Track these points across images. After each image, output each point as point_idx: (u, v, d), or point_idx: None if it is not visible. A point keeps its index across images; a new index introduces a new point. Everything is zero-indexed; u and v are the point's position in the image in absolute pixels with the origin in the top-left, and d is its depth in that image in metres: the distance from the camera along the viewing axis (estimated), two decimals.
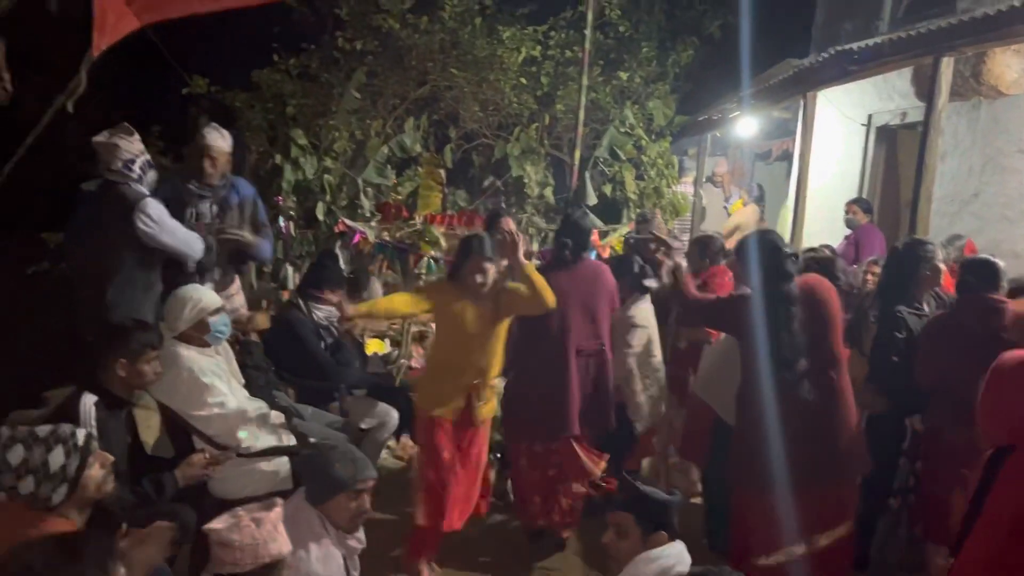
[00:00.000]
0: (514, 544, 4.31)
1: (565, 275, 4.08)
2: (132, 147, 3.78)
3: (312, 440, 3.10)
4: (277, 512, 2.32)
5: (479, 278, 3.66)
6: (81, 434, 2.37)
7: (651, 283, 4.65)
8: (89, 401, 2.96)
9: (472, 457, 3.84)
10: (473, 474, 3.86)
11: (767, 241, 3.43)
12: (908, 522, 3.99)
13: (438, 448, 3.71)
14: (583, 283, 4.15)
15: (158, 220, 3.78)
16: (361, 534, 2.82)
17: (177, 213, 4.02)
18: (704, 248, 5.04)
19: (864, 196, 7.86)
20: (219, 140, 4.21)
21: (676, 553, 2.61)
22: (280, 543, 2.27)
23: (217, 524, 2.25)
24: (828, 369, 3.34)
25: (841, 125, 8.35)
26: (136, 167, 3.78)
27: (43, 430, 2.33)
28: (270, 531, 2.24)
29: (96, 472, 2.35)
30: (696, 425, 4.18)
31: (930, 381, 3.72)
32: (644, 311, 4.63)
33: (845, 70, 6.08)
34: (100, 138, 3.76)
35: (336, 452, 2.76)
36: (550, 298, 3.64)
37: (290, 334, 4.49)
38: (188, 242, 3.91)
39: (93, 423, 2.94)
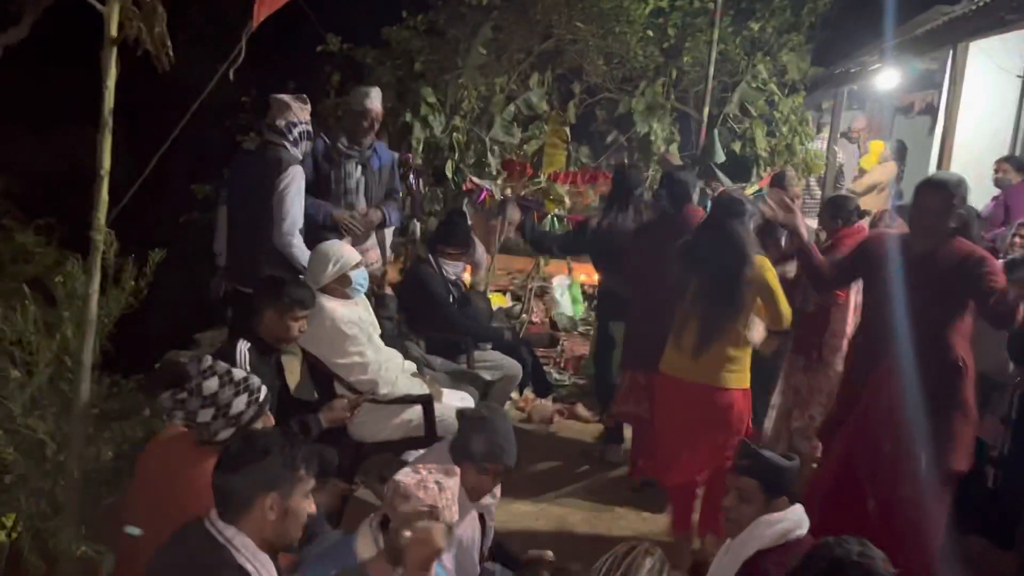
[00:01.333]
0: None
1: (662, 227, 4.27)
2: (300, 114, 4.03)
3: (484, 405, 3.18)
4: (456, 481, 2.39)
5: None
6: (264, 392, 2.58)
7: None
8: (244, 347, 3.21)
9: None
10: None
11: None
12: None
13: None
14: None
15: (290, 190, 3.93)
16: (497, 489, 2.93)
17: (329, 170, 4.25)
18: (837, 208, 4.87)
19: (1017, 154, 7.34)
20: (378, 103, 4.42)
21: (796, 517, 2.62)
22: (453, 512, 2.34)
23: (405, 478, 2.32)
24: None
25: (993, 76, 7.75)
26: (295, 132, 4.01)
27: (238, 374, 2.56)
28: (449, 498, 2.31)
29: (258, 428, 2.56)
30: None
31: None
32: None
33: (1002, 20, 5.65)
34: (279, 95, 4.04)
35: (485, 424, 2.80)
36: None
37: (421, 288, 4.67)
38: (291, 227, 3.94)
39: (247, 367, 3.19)
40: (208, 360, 2.56)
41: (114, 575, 2.67)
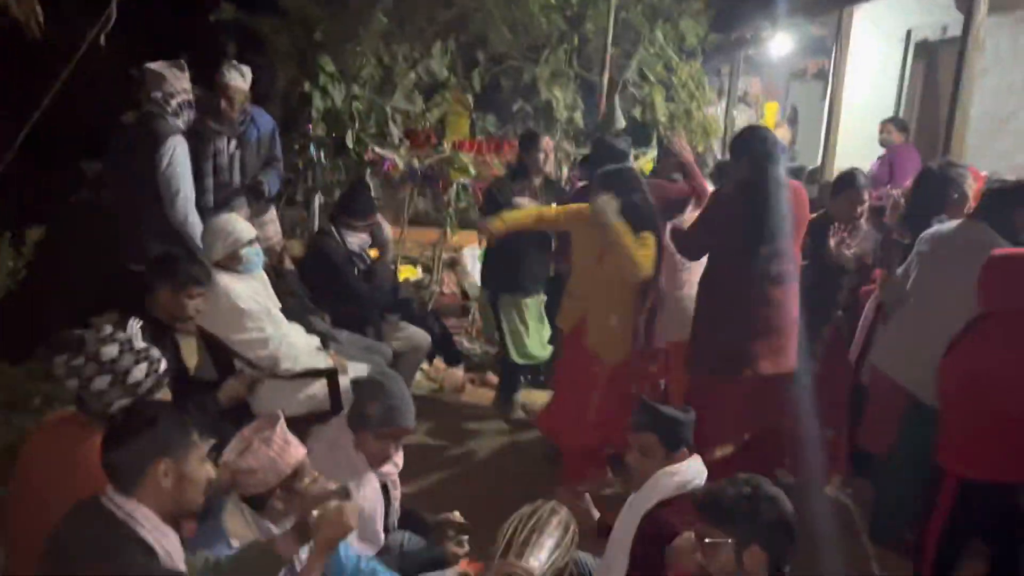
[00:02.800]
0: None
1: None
2: (177, 83, 3.84)
3: (377, 370, 3.14)
4: (281, 423, 2.35)
5: None
6: (163, 364, 2.49)
7: None
8: (135, 326, 3.10)
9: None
10: None
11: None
12: None
13: None
14: None
15: (174, 163, 3.82)
16: (399, 458, 2.93)
17: (198, 149, 4.09)
18: (725, 174, 5.00)
19: (901, 115, 7.68)
20: (237, 78, 4.24)
21: (695, 468, 2.71)
22: (293, 450, 2.31)
23: (230, 455, 2.29)
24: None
25: (878, 40, 8.10)
26: (173, 102, 3.84)
27: (139, 343, 2.45)
28: (281, 444, 2.28)
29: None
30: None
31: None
32: None
33: None
34: (152, 65, 3.84)
35: (379, 389, 2.76)
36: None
37: (324, 261, 4.60)
38: (184, 201, 3.90)
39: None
40: (108, 328, 2.45)
41: (8, 570, 2.56)
